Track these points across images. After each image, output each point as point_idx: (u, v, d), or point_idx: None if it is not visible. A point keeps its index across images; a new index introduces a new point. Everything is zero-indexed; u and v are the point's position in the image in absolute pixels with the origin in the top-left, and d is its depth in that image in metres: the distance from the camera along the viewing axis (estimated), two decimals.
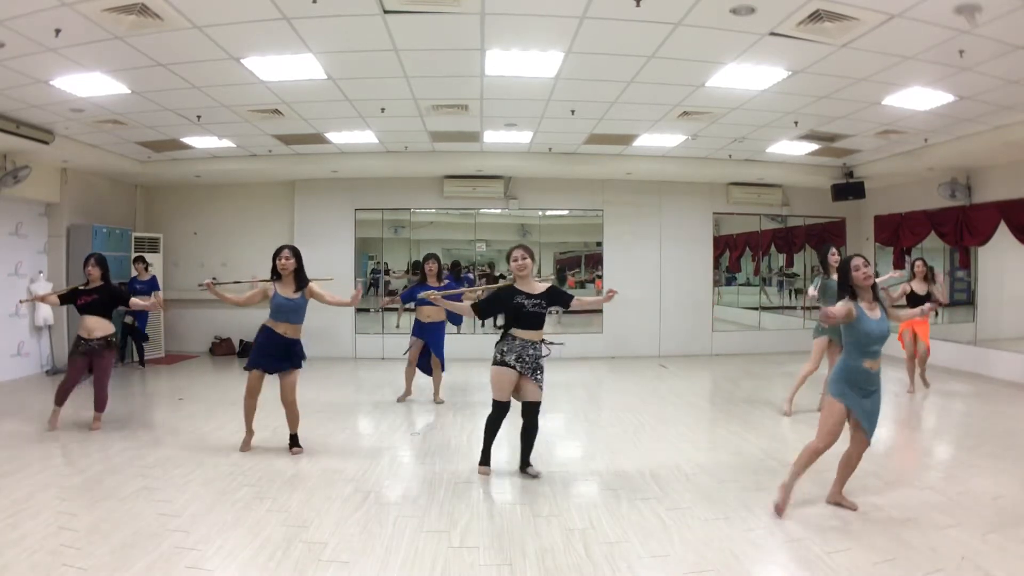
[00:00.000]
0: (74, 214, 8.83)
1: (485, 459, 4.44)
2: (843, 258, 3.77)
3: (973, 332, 8.71)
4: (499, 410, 4.35)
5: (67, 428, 5.57)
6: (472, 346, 9.77)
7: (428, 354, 6.60)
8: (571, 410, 6.44)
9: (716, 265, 10.83)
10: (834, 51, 4.94)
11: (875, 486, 4.07)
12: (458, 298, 4.84)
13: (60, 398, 5.53)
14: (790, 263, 12.04)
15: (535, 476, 4.33)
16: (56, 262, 8.63)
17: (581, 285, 12.88)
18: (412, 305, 6.63)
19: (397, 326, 10.26)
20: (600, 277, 10.78)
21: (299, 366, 4.87)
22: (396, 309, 9.77)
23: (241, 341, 10.26)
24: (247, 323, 10.16)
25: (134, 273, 8.92)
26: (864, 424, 3.58)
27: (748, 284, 12.20)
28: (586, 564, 3.09)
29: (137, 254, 9.15)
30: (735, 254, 11.84)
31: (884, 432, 5.57)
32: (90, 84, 5.63)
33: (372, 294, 12.00)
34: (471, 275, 11.40)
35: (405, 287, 6.77)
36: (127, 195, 10.21)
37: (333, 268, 9.88)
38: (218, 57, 5.11)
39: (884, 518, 3.58)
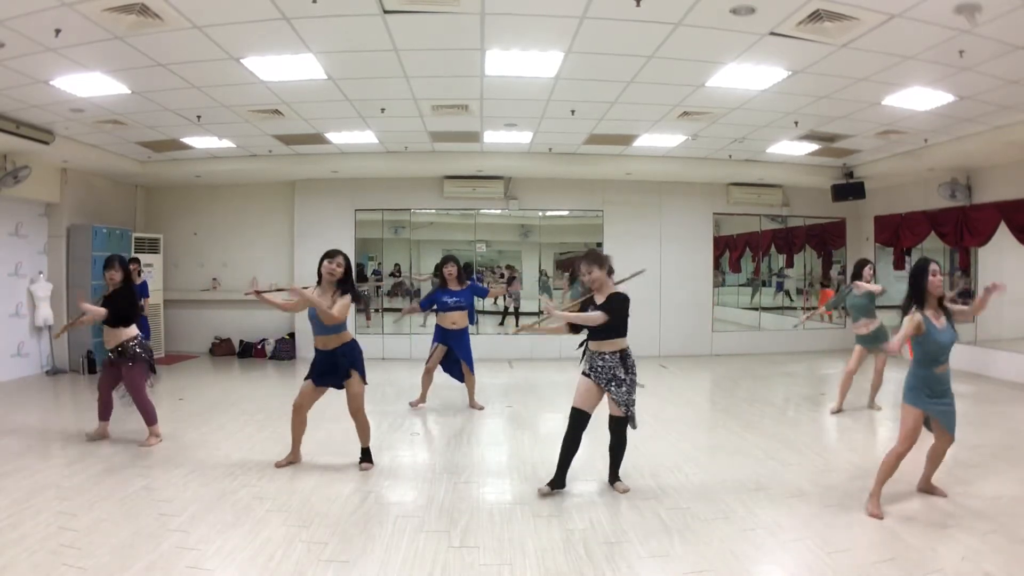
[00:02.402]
0: (74, 214, 8.83)
1: (555, 480, 4.03)
2: (919, 261, 3.67)
3: (973, 332, 8.71)
4: (572, 419, 4.01)
5: (67, 430, 5.57)
6: (478, 346, 9.76)
7: (457, 361, 6.32)
8: None
9: (716, 265, 10.83)
10: (834, 51, 4.94)
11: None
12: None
13: (101, 413, 5.20)
14: (790, 263, 12.04)
15: (621, 492, 4.04)
16: (56, 262, 8.63)
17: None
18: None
19: (389, 322, 10.21)
20: None
21: (351, 376, 4.41)
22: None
23: (241, 342, 10.27)
24: (247, 324, 10.20)
25: None
26: (944, 424, 3.69)
27: (748, 284, 12.21)
28: (586, 564, 3.09)
29: (131, 257, 8.98)
30: (735, 254, 11.84)
31: (884, 432, 5.57)
32: (90, 84, 5.63)
33: (372, 294, 12.03)
34: (481, 278, 11.36)
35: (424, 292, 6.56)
36: (127, 195, 10.21)
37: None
38: (218, 57, 5.11)
39: (884, 518, 3.57)
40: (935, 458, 3.85)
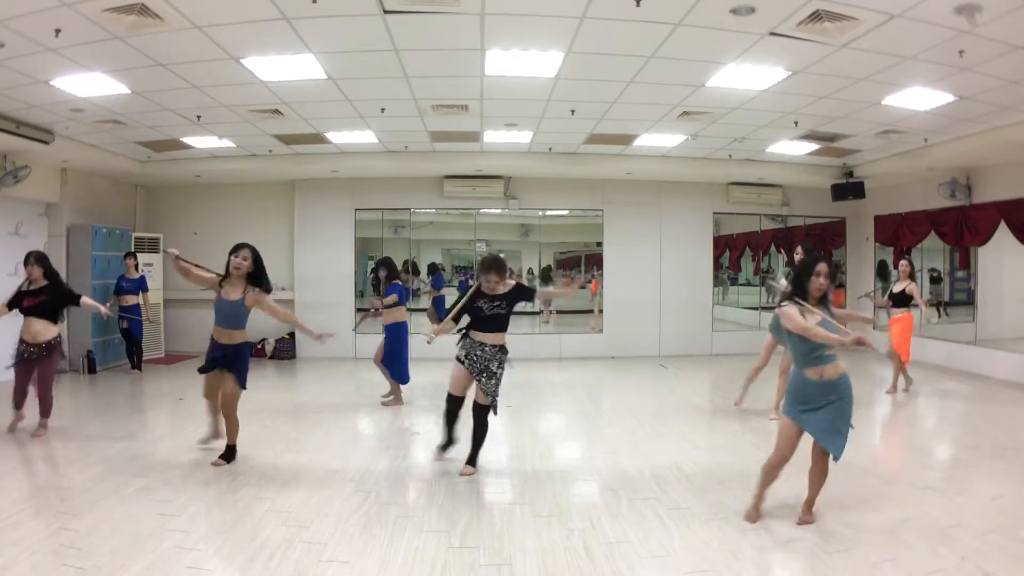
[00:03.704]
0: (74, 214, 8.82)
1: (445, 444, 4.64)
2: (807, 258, 3.43)
3: (973, 332, 8.71)
4: (449, 402, 4.48)
5: (67, 430, 5.57)
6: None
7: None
8: (571, 410, 6.43)
9: (716, 265, 10.82)
10: (834, 51, 4.93)
11: (875, 486, 4.07)
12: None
13: (17, 402, 5.29)
14: (790, 263, 12.03)
15: (464, 475, 4.33)
16: (56, 262, 8.47)
17: (580, 285, 12.84)
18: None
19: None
20: (595, 278, 10.78)
21: (233, 373, 4.41)
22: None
23: None
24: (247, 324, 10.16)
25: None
26: (819, 440, 3.36)
27: (748, 284, 12.20)
28: (586, 564, 3.09)
29: (128, 251, 8.97)
30: (735, 254, 11.83)
31: (884, 432, 5.57)
32: (90, 84, 5.62)
33: (371, 294, 12.05)
34: (443, 276, 11.50)
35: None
36: (127, 195, 10.20)
37: (333, 268, 9.97)
38: (218, 57, 5.11)
39: (884, 518, 3.58)
40: (815, 480, 3.46)
